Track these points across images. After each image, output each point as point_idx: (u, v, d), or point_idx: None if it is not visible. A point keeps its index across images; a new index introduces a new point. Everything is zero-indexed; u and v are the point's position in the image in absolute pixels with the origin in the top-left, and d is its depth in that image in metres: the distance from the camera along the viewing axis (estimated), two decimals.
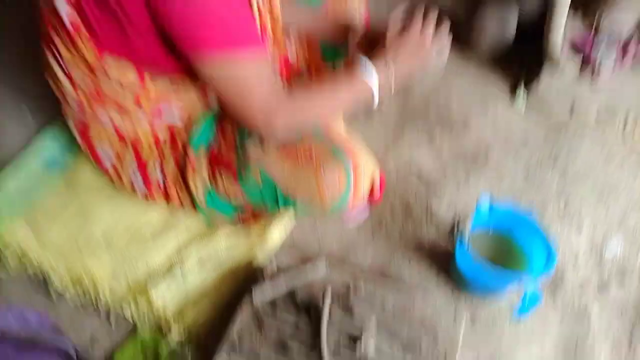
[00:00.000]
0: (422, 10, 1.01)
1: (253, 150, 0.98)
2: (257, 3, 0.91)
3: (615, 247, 1.18)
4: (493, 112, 1.47)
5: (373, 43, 1.05)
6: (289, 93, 0.92)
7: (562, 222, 1.23)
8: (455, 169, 1.33)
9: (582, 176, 1.32)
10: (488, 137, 1.41)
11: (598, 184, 1.31)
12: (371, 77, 0.95)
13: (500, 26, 1.52)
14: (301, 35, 1.20)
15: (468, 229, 1.04)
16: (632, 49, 1.33)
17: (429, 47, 0.99)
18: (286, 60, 1.23)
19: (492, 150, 1.38)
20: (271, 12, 0.97)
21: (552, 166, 1.35)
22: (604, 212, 1.25)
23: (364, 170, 0.99)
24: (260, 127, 0.91)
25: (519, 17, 1.54)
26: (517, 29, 1.54)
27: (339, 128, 1.16)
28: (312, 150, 0.96)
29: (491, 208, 1.08)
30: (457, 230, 1.04)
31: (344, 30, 1.12)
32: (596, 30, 1.41)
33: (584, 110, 1.45)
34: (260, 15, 0.92)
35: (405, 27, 0.99)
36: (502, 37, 1.54)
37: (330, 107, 0.97)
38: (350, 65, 0.99)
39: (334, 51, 1.22)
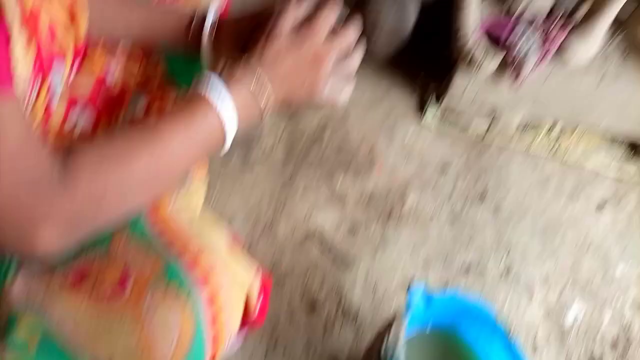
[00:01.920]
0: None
1: (19, 284, 0.52)
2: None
3: (575, 312, 0.91)
4: (402, 136, 1.14)
5: (237, 41, 0.65)
6: (69, 156, 0.49)
7: (508, 287, 0.96)
8: (367, 226, 0.98)
9: (517, 213, 1.06)
10: (400, 174, 1.08)
11: (538, 221, 1.05)
12: (222, 101, 0.54)
13: (398, 20, 1.19)
14: (132, 41, 0.73)
15: (400, 340, 0.68)
16: (556, 38, 1.07)
17: (331, 57, 0.59)
18: (101, 82, 0.75)
19: (408, 190, 1.06)
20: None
21: (481, 202, 1.06)
22: (553, 263, 0.99)
23: (230, 297, 0.57)
24: (14, 239, 0.46)
25: (421, 8, 1.23)
26: (419, 24, 1.23)
27: (186, 199, 0.71)
28: (128, 271, 0.52)
29: (427, 299, 0.74)
30: (385, 349, 0.68)
31: (196, 25, 0.68)
32: (511, 16, 1.13)
33: (505, 120, 1.18)
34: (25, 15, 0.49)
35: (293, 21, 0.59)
36: (402, 33, 1.20)
37: (152, 169, 0.53)
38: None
39: (187, 64, 0.76)
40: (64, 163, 0.47)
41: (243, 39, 0.64)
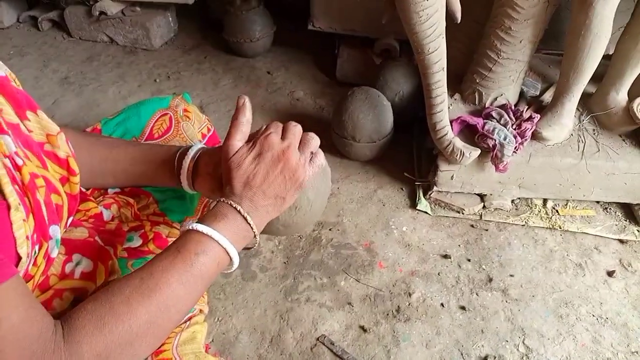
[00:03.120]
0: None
1: None
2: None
3: None
4: (399, 229, 1.16)
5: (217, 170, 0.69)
6: (70, 321, 0.50)
7: None
8: (376, 325, 0.97)
9: (527, 293, 1.04)
10: (403, 267, 1.08)
11: (549, 299, 1.03)
12: (214, 238, 0.57)
13: (377, 122, 1.27)
14: (123, 179, 0.78)
15: None
16: (527, 127, 1.14)
17: (293, 147, 0.63)
18: (98, 218, 0.78)
19: (413, 283, 1.05)
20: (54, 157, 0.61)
21: (489, 286, 1.05)
22: (572, 343, 0.96)
23: None
24: None
25: (394, 107, 1.32)
26: (396, 118, 1.31)
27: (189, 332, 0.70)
28: None
29: None
30: None
31: (174, 164, 0.72)
32: (482, 109, 1.21)
33: (497, 201, 1.20)
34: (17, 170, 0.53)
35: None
36: (382, 134, 1.28)
37: (154, 318, 0.54)
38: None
39: (177, 200, 0.84)
40: (66, 329, 0.49)
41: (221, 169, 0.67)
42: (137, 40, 1.73)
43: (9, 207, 0.49)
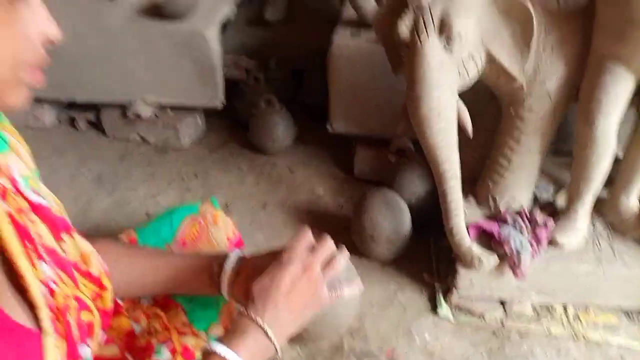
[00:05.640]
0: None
1: None
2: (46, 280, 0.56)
3: None
4: (421, 335, 1.17)
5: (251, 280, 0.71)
6: None
7: None
8: None
9: None
10: None
11: None
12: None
13: (395, 225, 1.32)
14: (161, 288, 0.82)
15: None
16: (542, 233, 1.17)
17: (316, 263, 0.67)
18: (130, 334, 0.82)
19: None
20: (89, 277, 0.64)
21: None
22: None
23: None
24: None
25: (411, 208, 1.37)
26: (413, 219, 1.36)
27: None
28: None
29: None
30: None
31: (213, 271, 0.77)
32: (497, 215, 1.25)
33: (518, 307, 1.21)
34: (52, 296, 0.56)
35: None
36: (400, 236, 1.32)
37: None
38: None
39: (204, 310, 0.86)
40: None
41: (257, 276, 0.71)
42: (167, 140, 1.85)
43: (42, 333, 0.53)
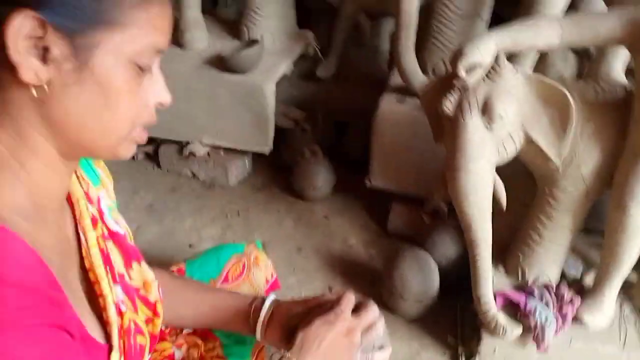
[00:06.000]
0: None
1: None
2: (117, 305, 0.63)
3: None
4: None
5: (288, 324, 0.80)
6: None
7: None
8: None
9: None
10: None
11: None
12: None
13: (424, 283, 1.37)
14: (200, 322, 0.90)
15: None
16: (569, 310, 1.20)
17: (359, 330, 0.75)
18: (171, 358, 0.89)
19: None
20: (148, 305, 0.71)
21: None
22: None
23: None
24: None
25: (441, 269, 1.42)
26: (442, 280, 1.41)
27: None
28: None
29: None
30: None
31: (249, 314, 0.85)
32: (525, 287, 1.28)
33: None
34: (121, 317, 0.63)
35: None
36: (428, 295, 1.37)
37: None
38: None
39: (239, 346, 0.94)
40: None
41: (294, 321, 0.79)
42: (216, 178, 1.98)
43: (110, 350, 0.59)
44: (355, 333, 0.74)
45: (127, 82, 0.52)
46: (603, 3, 1.15)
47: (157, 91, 0.56)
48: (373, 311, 0.77)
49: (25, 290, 0.45)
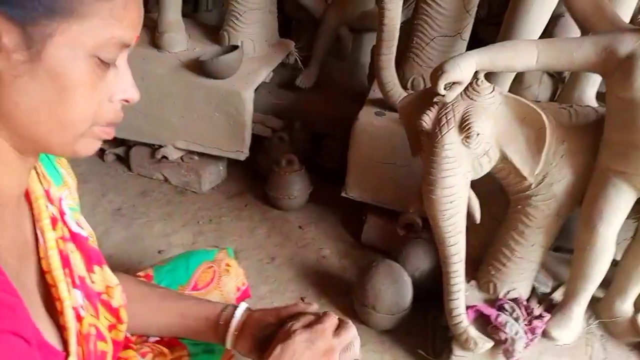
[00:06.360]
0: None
1: None
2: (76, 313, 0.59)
3: None
4: None
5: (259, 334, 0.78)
6: None
7: None
8: None
9: None
10: None
11: None
12: None
13: (397, 295, 1.37)
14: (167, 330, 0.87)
15: None
16: (538, 325, 1.22)
17: (338, 349, 0.73)
18: None
19: None
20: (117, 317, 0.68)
21: None
22: None
23: None
24: None
25: (414, 281, 1.43)
26: (415, 292, 1.41)
27: None
28: None
29: None
30: None
31: (219, 323, 0.82)
32: (496, 301, 1.30)
33: None
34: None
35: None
36: (401, 307, 1.37)
37: None
38: None
39: (209, 355, 0.91)
40: None
41: (266, 331, 0.78)
42: (189, 183, 1.94)
43: (67, 356, 0.56)
44: (334, 353, 0.72)
45: (86, 77, 0.48)
46: (577, 28, 1.19)
47: (123, 87, 0.53)
48: (351, 331, 0.76)
49: None
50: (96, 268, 0.69)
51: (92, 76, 0.49)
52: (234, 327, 0.81)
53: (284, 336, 0.72)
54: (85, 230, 0.69)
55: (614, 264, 1.21)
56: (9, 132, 0.50)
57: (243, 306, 0.84)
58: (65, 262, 0.61)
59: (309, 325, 0.74)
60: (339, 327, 0.75)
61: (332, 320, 0.75)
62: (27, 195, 0.60)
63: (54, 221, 0.62)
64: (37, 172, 0.63)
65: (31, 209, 0.60)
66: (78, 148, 0.53)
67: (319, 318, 0.76)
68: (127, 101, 0.54)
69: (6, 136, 0.50)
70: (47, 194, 0.63)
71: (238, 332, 0.80)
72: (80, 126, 0.51)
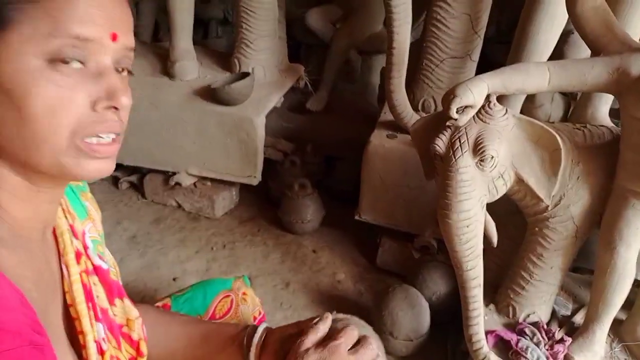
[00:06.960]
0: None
1: None
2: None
3: None
4: None
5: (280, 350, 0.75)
6: None
7: None
8: None
9: None
10: None
11: None
12: None
13: (415, 321, 1.35)
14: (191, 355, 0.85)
15: None
16: (560, 348, 1.19)
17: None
18: None
19: None
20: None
21: None
22: None
23: None
24: None
25: (432, 306, 1.41)
26: (433, 317, 1.39)
27: None
28: None
29: None
30: None
31: (242, 343, 0.81)
32: (516, 325, 1.27)
33: None
34: None
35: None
36: (419, 332, 1.35)
37: None
38: None
39: None
40: None
41: (287, 345, 0.75)
42: (202, 209, 1.95)
43: None
44: None
45: (43, 87, 0.45)
46: (586, 47, 1.19)
47: (108, 93, 0.49)
48: (371, 350, 0.72)
49: (7, 334, 0.43)
50: (117, 301, 0.69)
51: (49, 85, 0.46)
52: (256, 342, 0.79)
53: (297, 349, 0.70)
54: (107, 263, 0.69)
55: (636, 284, 1.18)
56: (4, 160, 0.50)
57: (264, 325, 0.83)
58: (89, 295, 0.62)
59: (321, 343, 0.71)
60: (359, 343, 0.72)
61: (350, 335, 0.71)
62: (54, 231, 0.61)
63: (78, 255, 0.63)
64: (62, 208, 0.64)
65: (57, 243, 0.61)
66: (67, 166, 0.49)
67: (334, 333, 0.72)
68: (115, 108, 0.51)
69: (6, 165, 0.50)
70: (72, 228, 0.64)
71: (260, 353, 0.79)
72: (54, 139, 0.48)
